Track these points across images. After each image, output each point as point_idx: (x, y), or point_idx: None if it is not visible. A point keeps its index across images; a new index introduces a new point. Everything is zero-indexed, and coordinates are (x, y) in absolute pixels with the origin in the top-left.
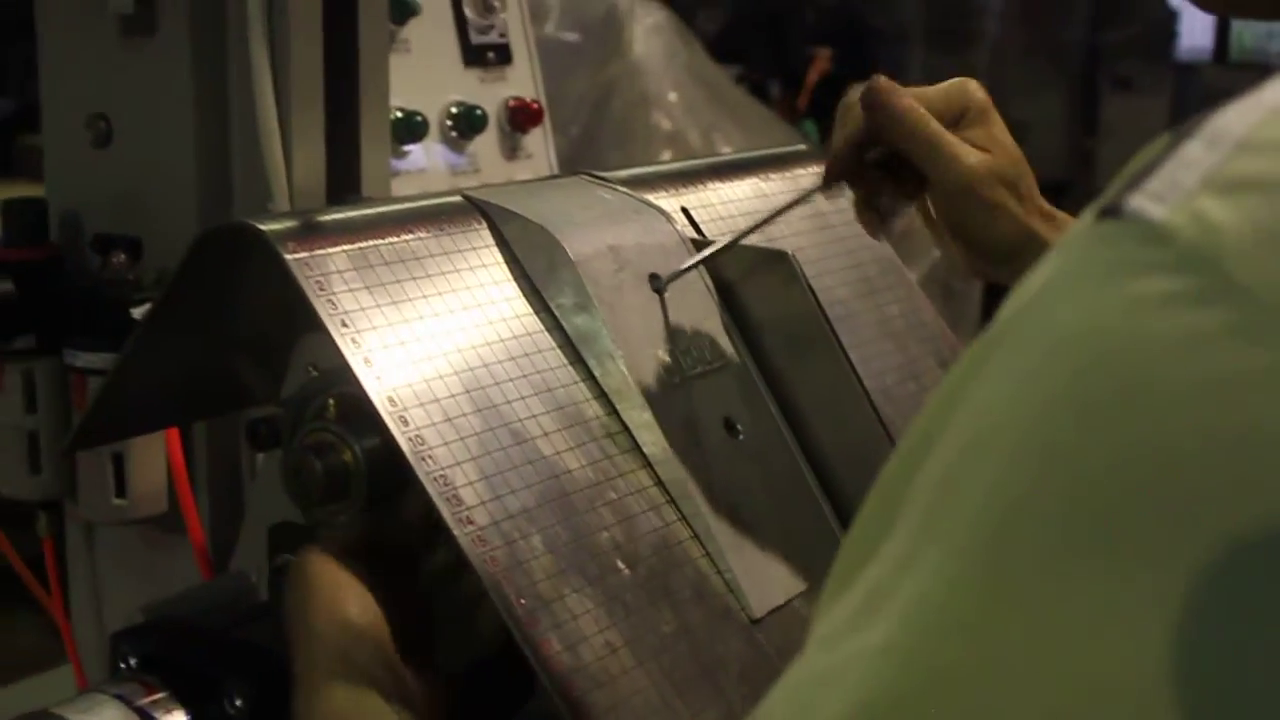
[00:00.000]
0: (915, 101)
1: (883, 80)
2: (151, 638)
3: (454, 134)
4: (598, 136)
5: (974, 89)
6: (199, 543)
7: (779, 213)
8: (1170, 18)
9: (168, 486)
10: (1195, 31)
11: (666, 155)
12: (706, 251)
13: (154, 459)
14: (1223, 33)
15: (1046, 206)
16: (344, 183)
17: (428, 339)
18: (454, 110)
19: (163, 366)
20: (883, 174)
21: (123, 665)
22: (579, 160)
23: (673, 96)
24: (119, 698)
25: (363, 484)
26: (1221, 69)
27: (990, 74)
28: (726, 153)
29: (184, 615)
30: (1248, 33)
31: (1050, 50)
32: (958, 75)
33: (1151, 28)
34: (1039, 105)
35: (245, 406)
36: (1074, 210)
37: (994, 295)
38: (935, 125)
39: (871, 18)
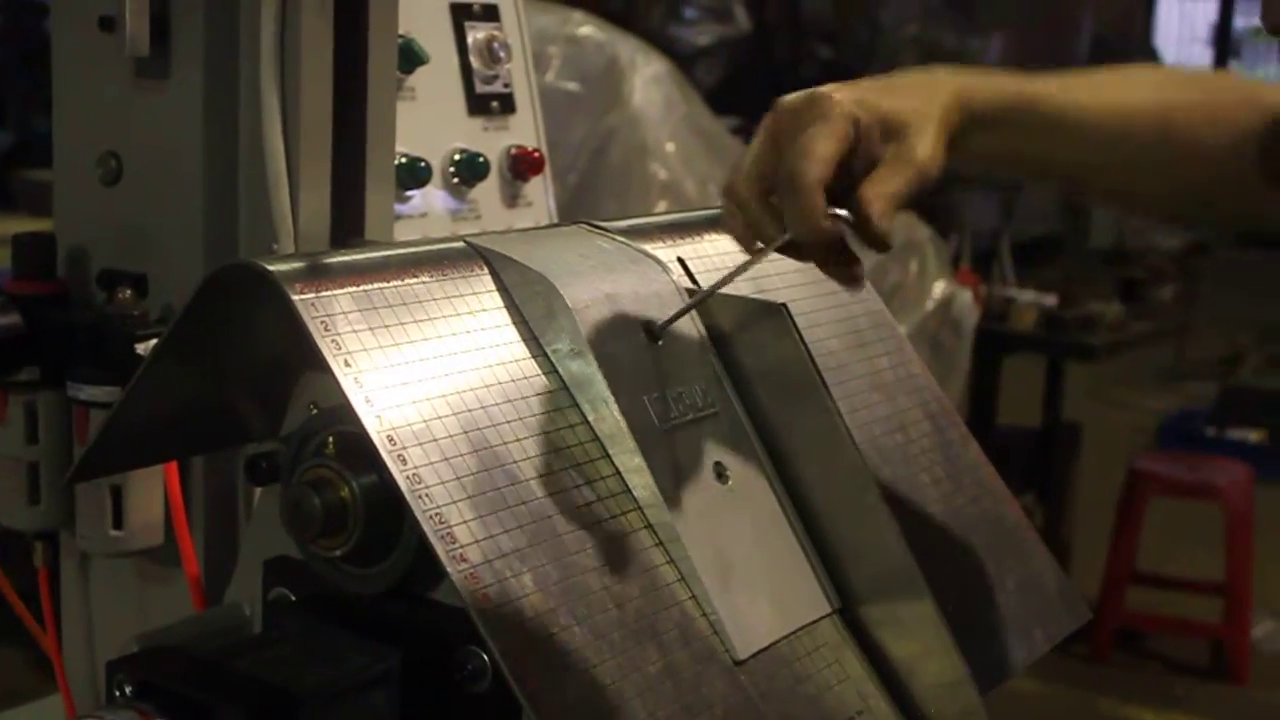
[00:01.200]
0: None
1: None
2: (146, 666)
3: (456, 180)
4: (595, 185)
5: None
6: (194, 575)
7: (746, 266)
8: None
9: (165, 519)
10: None
11: (663, 205)
12: (698, 298)
13: (152, 492)
14: None
15: None
16: (348, 226)
17: (428, 380)
18: (457, 157)
19: (166, 401)
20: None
21: (117, 693)
22: (576, 208)
23: (670, 147)
24: None
25: (360, 520)
26: None
27: None
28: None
29: (178, 645)
30: None
31: None
32: None
33: None
34: None
35: (244, 442)
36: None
37: (981, 350)
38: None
39: (868, 71)
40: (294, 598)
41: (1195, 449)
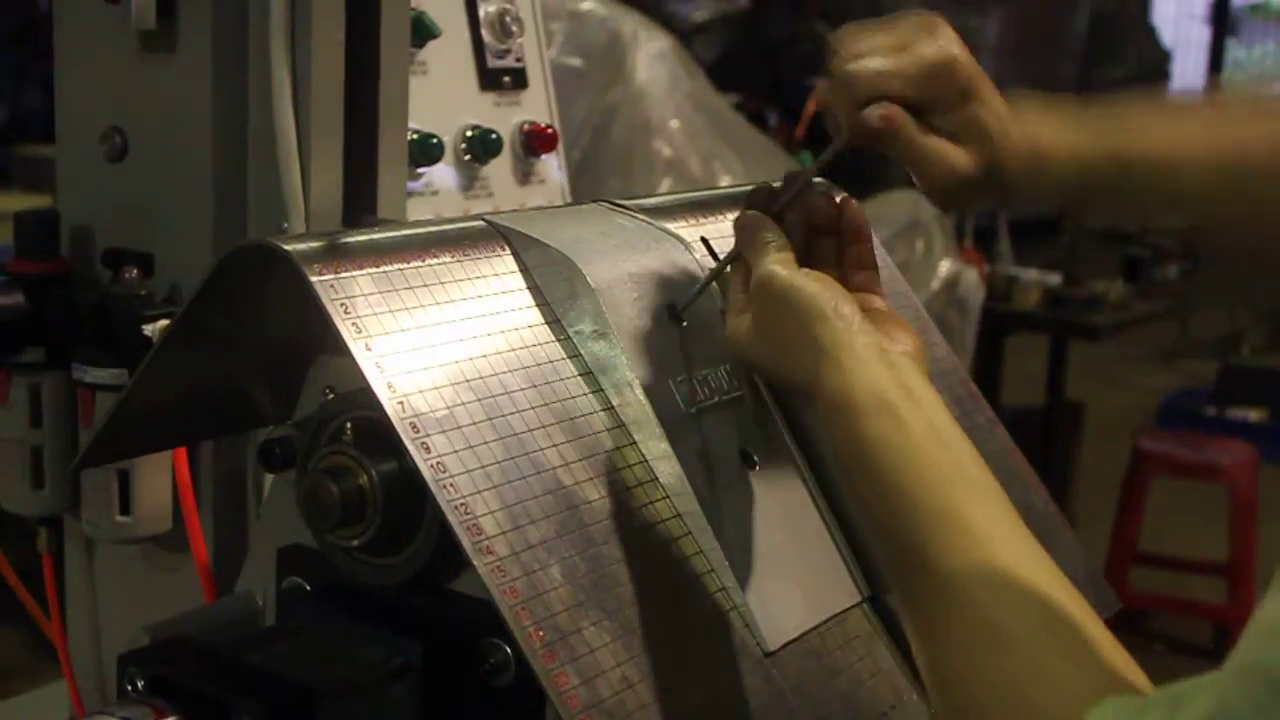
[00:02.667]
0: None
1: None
2: (159, 659)
3: (468, 157)
4: (598, 162)
5: (961, 69)
6: (203, 563)
7: (811, 172)
8: (1163, 58)
9: (173, 505)
10: (1187, 72)
11: (666, 183)
12: (718, 268)
13: (160, 477)
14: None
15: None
16: (360, 203)
17: (450, 364)
18: (469, 134)
19: (176, 385)
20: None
21: (129, 687)
22: (578, 186)
23: (674, 124)
24: None
25: (379, 509)
26: None
27: None
28: (726, 182)
29: (191, 637)
30: (1240, 76)
31: (1043, 86)
32: None
33: (1144, 67)
34: None
35: (255, 427)
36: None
37: (985, 329)
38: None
39: None
40: (309, 588)
41: (1195, 428)
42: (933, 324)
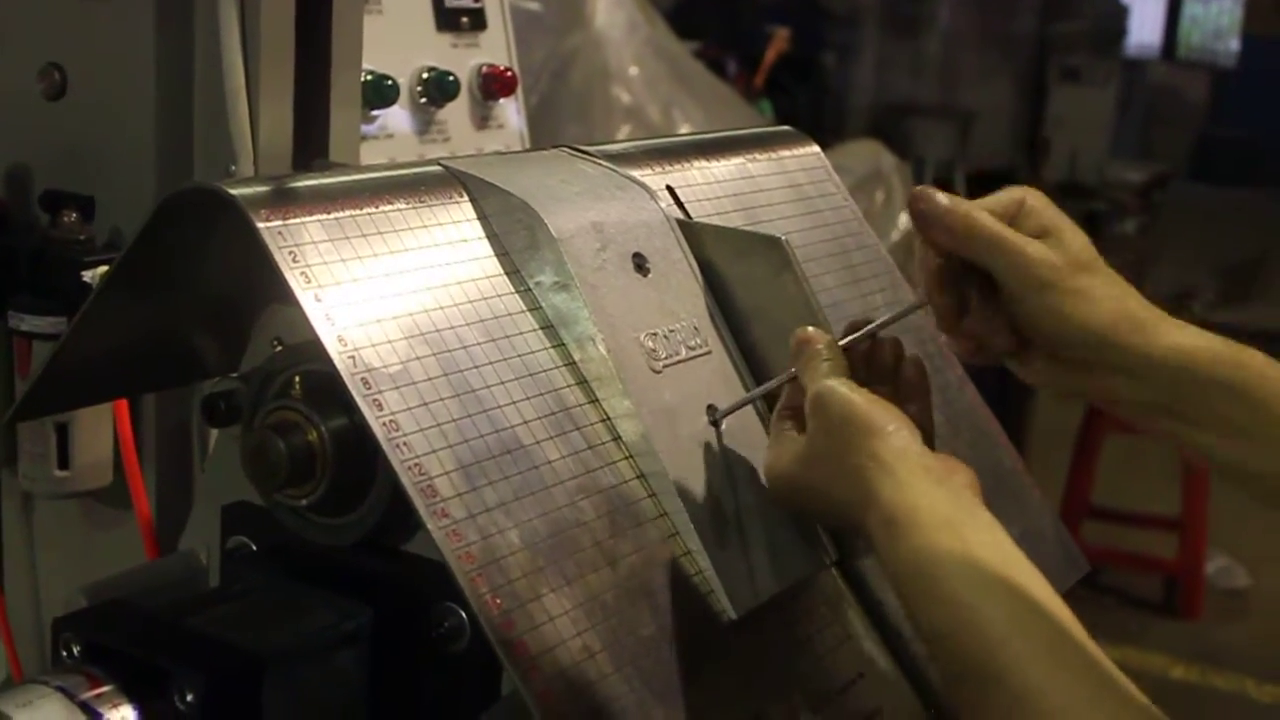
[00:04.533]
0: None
1: (921, 188)
2: (95, 624)
3: (424, 100)
4: (556, 108)
5: (1031, 198)
6: (145, 519)
7: (884, 324)
8: (1120, 13)
9: (114, 459)
10: (1144, 28)
11: (625, 129)
12: (763, 390)
13: (100, 430)
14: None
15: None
16: (311, 146)
17: (405, 316)
18: (425, 76)
19: (116, 334)
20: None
21: (64, 654)
22: (536, 132)
23: (633, 71)
24: (61, 690)
25: (329, 466)
26: (1169, 65)
27: (942, 62)
28: (685, 130)
29: (130, 600)
30: (1196, 31)
31: (1001, 40)
32: (911, 61)
33: (1101, 22)
34: (988, 94)
35: (199, 379)
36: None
37: None
38: (991, 220)
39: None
40: (255, 547)
41: None
42: (902, 278)
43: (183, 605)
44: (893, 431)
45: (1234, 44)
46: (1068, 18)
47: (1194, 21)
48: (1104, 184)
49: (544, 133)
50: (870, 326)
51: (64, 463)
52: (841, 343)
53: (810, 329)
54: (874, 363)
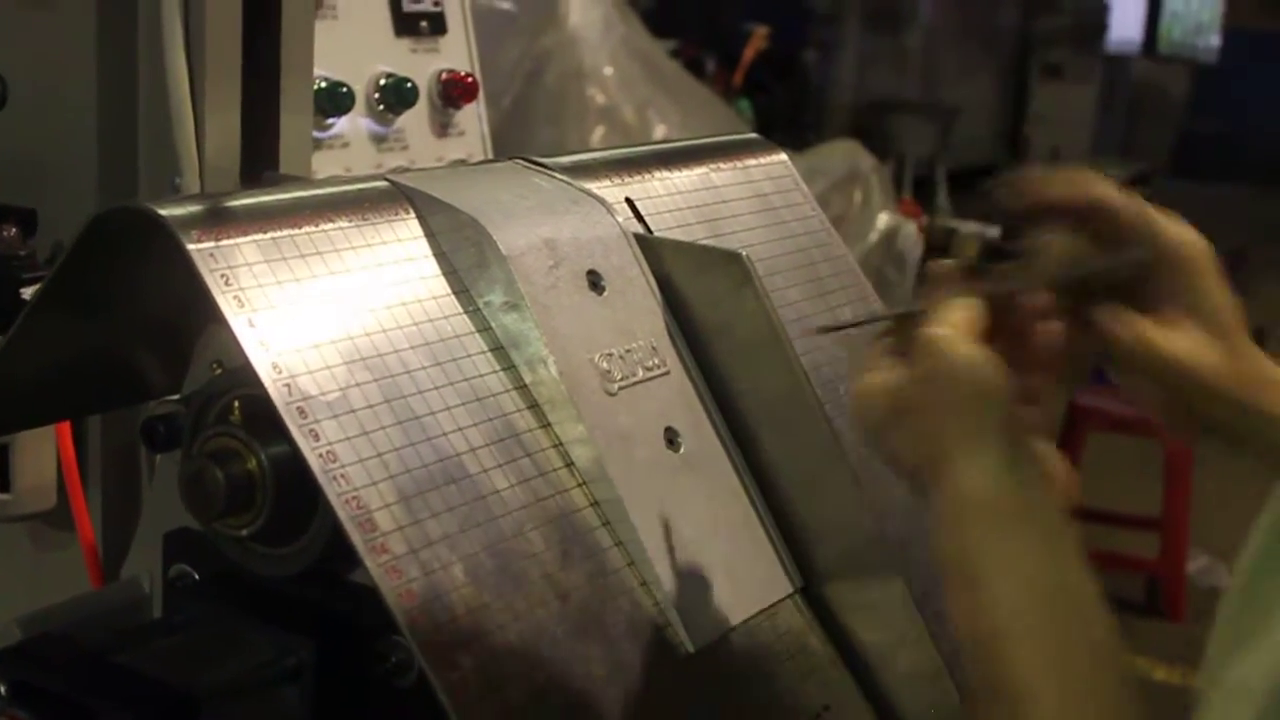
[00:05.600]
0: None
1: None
2: (24, 662)
3: (381, 107)
4: (530, 109)
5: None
6: (89, 545)
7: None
8: (1101, 9)
9: (58, 481)
10: (1126, 23)
11: (600, 131)
12: (881, 316)
13: (42, 452)
14: (1152, 26)
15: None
16: (261, 157)
17: (344, 341)
18: (382, 82)
19: (51, 355)
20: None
21: None
22: (509, 133)
23: (608, 71)
24: None
25: (269, 495)
26: (1150, 61)
27: (923, 58)
28: (661, 131)
29: (63, 634)
30: (1177, 27)
31: (983, 36)
32: (892, 57)
33: (1083, 18)
34: (970, 90)
35: (144, 400)
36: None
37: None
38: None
39: None
40: (197, 576)
41: None
42: (872, 290)
43: (118, 640)
44: (999, 400)
45: (1214, 39)
46: (1049, 14)
47: (1174, 17)
48: None
49: (517, 134)
50: (1023, 278)
51: (4, 485)
52: (978, 286)
53: (947, 263)
54: (1010, 317)
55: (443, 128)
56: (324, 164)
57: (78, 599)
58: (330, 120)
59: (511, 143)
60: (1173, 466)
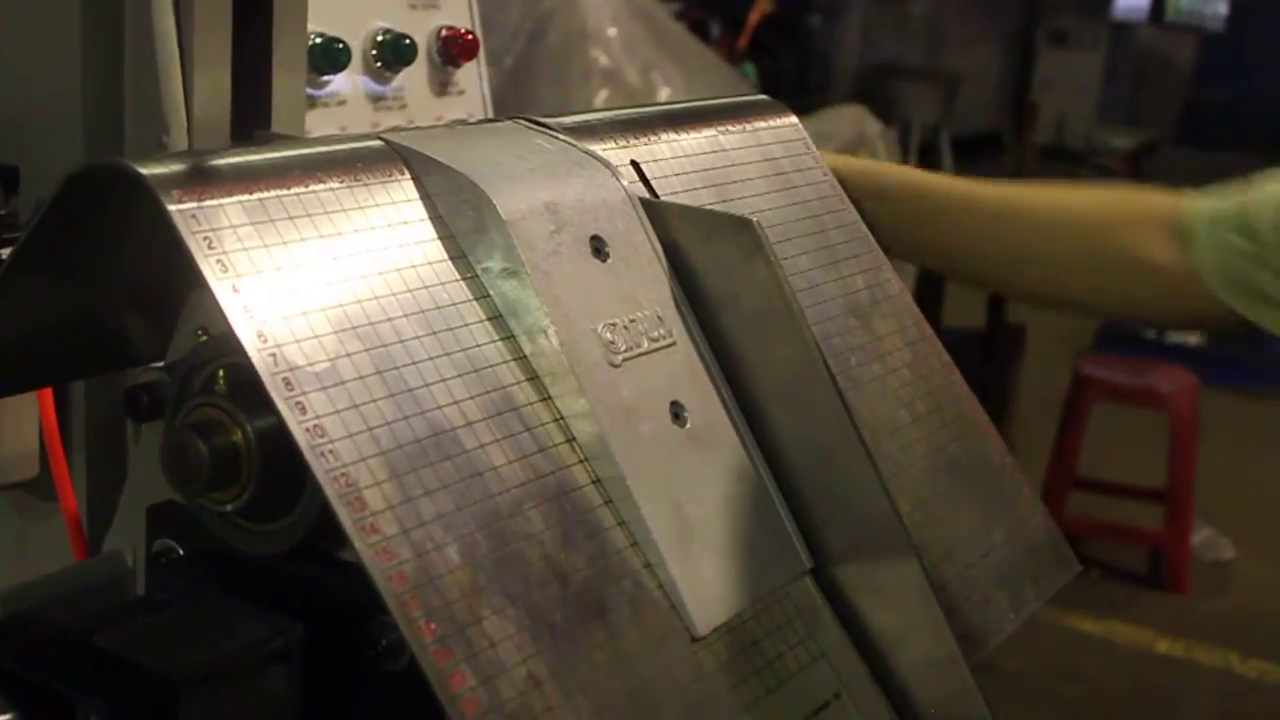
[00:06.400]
0: None
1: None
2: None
3: (379, 65)
4: (532, 70)
5: None
6: (72, 515)
7: None
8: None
9: (40, 449)
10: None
11: (604, 93)
12: None
13: (24, 417)
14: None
15: None
16: (252, 115)
17: (334, 309)
18: (380, 39)
19: (28, 318)
20: None
21: None
22: (511, 94)
23: (612, 32)
24: None
25: (255, 469)
26: (1156, 29)
27: (928, 24)
28: (665, 94)
29: (40, 614)
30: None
31: (988, 2)
32: (897, 22)
33: (1087, 11)
34: (975, 57)
35: (129, 366)
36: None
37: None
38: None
39: None
40: (181, 551)
41: (1134, 351)
42: (884, 256)
43: (98, 619)
44: None
45: (1222, 8)
46: (1055, 9)
47: (1177, 10)
48: (1091, 149)
49: (519, 95)
50: None
51: None
52: None
53: None
54: None
55: (442, 86)
56: (319, 123)
57: (57, 574)
58: (326, 78)
59: (513, 103)
60: (1178, 438)
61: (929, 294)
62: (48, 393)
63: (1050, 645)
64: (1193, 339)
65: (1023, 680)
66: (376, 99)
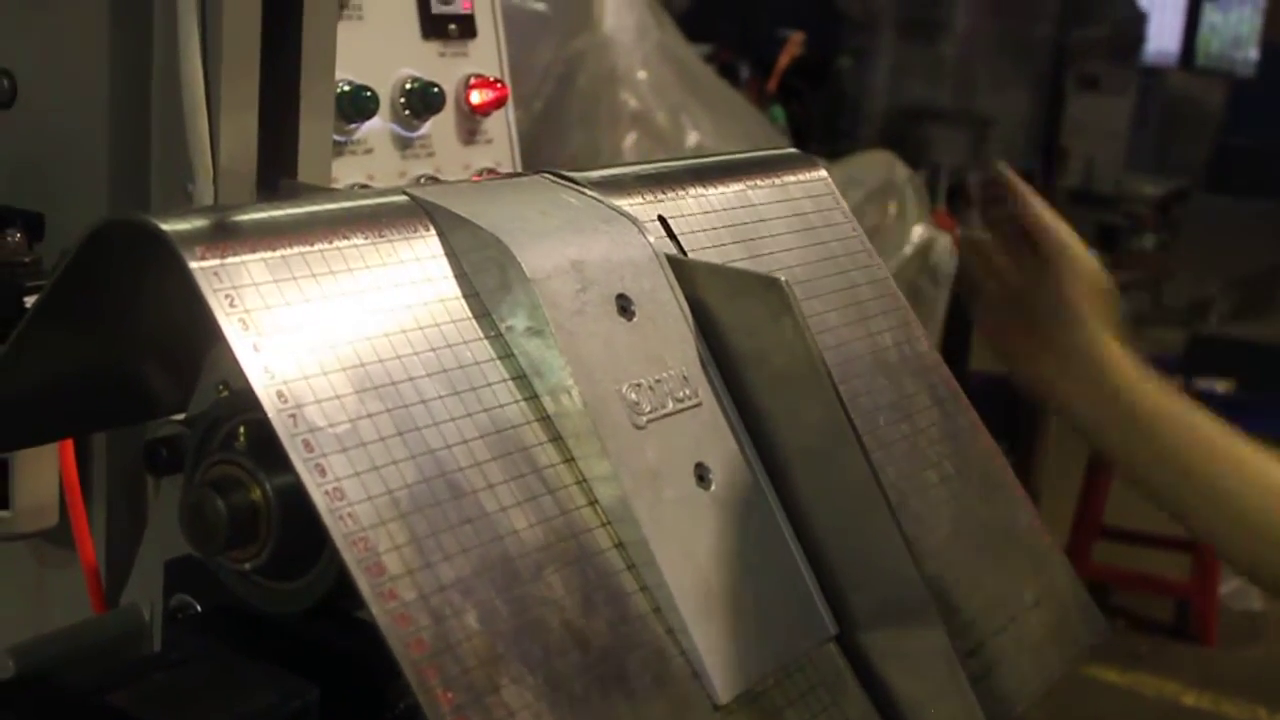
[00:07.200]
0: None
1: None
2: (9, 704)
3: (407, 113)
4: (561, 113)
5: None
6: (90, 566)
7: None
8: (1139, 20)
9: (60, 500)
10: (1163, 35)
11: (632, 136)
12: None
13: (44, 467)
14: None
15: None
16: (278, 163)
17: (356, 368)
18: (408, 86)
19: (50, 370)
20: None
21: None
22: (540, 137)
23: (641, 75)
24: None
25: (274, 528)
26: (1187, 74)
27: (958, 66)
28: (694, 137)
29: (54, 670)
30: (1215, 40)
31: (1019, 46)
32: (927, 65)
33: (1120, 28)
34: (1005, 100)
35: (151, 418)
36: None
37: (957, 299)
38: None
39: (842, 3)
40: (199, 608)
41: None
42: (912, 313)
43: (111, 676)
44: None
45: (1253, 53)
46: (1086, 24)
47: (1213, 29)
48: (1120, 196)
49: (548, 137)
50: None
51: (4, 503)
52: None
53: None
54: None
55: (470, 134)
56: (346, 170)
57: (73, 627)
58: (353, 125)
59: (542, 146)
60: None
61: (956, 339)
62: (68, 443)
63: (1076, 697)
64: (1222, 386)
65: None
66: (404, 146)
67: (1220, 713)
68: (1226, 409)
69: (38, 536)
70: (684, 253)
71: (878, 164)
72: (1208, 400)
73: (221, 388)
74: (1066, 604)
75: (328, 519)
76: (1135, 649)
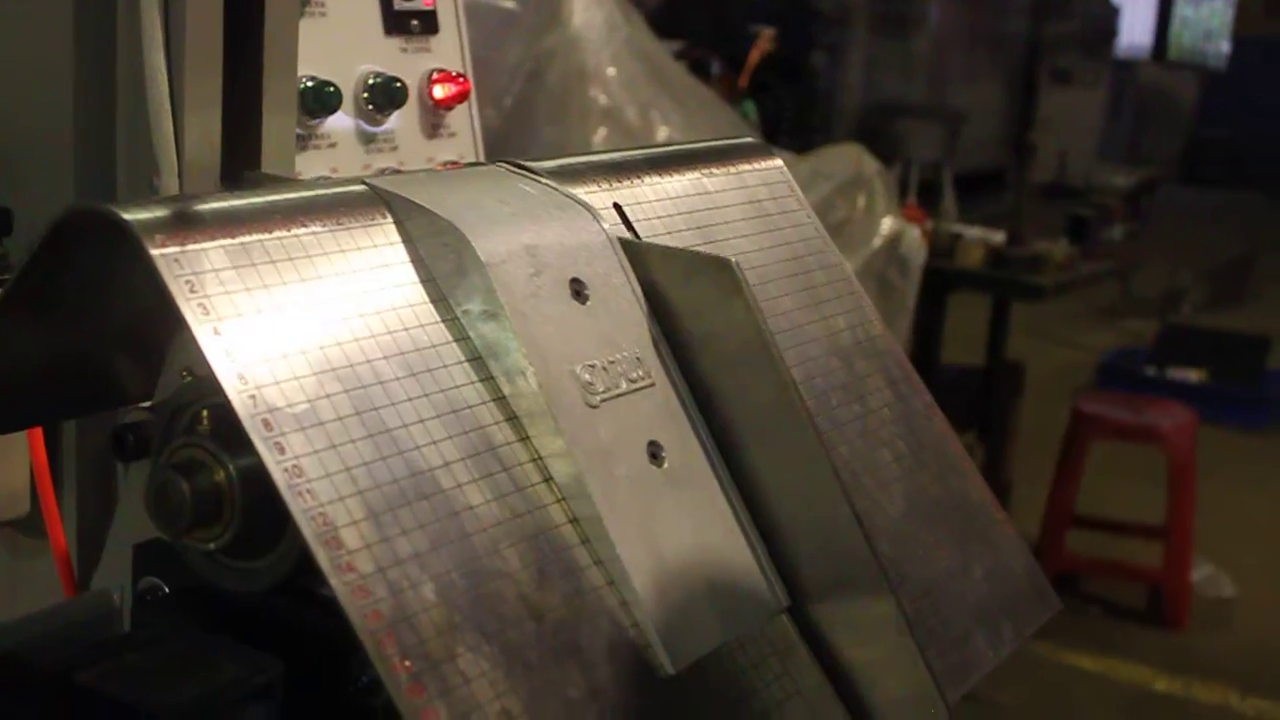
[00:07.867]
0: None
1: None
2: None
3: (370, 107)
4: (532, 109)
5: None
6: (61, 553)
7: None
8: (1111, 14)
9: (30, 487)
10: (1135, 29)
11: (602, 132)
12: None
13: (14, 456)
14: (1162, 32)
15: None
16: (242, 156)
17: (314, 351)
18: (371, 81)
19: (18, 360)
20: None
21: None
22: (511, 133)
23: (611, 71)
24: None
25: (237, 509)
26: (1159, 67)
27: (931, 62)
28: (664, 133)
29: (21, 651)
30: (1186, 33)
31: (991, 41)
32: (900, 61)
33: (1092, 23)
34: (978, 94)
35: (119, 406)
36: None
37: (927, 286)
38: None
39: None
40: (167, 589)
41: (1135, 388)
42: (868, 299)
43: (79, 656)
44: None
45: (1224, 46)
46: (1059, 19)
47: (1184, 23)
48: (1090, 188)
49: (518, 134)
50: None
51: None
52: None
53: None
54: None
55: (434, 128)
56: (310, 164)
57: (44, 611)
58: (317, 120)
59: (513, 142)
60: (1177, 475)
61: (928, 330)
62: (38, 432)
63: (1048, 682)
64: (1193, 376)
65: (1020, 717)
66: (368, 140)
67: (1192, 697)
68: (1195, 398)
69: (9, 525)
70: (639, 238)
71: (847, 157)
72: (1177, 389)
73: (185, 374)
74: (1019, 580)
75: (287, 495)
76: (1108, 635)
